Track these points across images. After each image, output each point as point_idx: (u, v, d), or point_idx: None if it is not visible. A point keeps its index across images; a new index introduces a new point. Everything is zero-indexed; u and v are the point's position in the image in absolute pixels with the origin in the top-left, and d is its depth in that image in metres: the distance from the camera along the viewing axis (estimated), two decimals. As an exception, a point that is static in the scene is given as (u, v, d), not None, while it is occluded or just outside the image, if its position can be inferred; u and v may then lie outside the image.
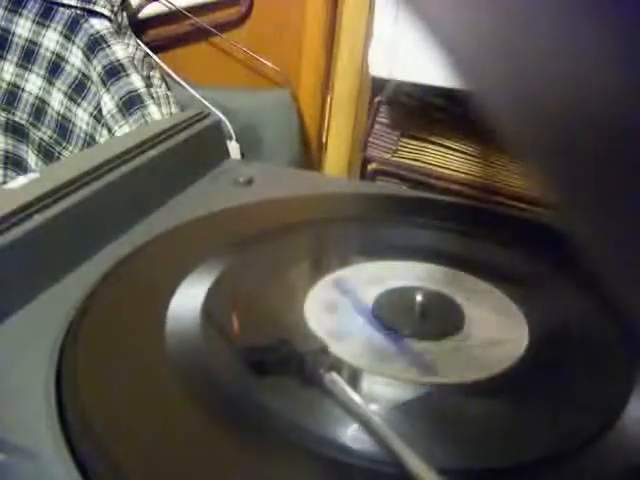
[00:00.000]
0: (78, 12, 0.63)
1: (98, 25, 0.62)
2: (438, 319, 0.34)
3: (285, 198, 0.46)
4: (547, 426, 0.27)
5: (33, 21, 0.64)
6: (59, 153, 0.65)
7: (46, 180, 0.37)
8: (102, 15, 0.62)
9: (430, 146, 0.58)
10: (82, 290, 0.33)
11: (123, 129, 0.62)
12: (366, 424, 0.25)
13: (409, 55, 0.51)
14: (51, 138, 0.65)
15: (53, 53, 0.64)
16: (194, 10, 0.67)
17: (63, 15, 0.63)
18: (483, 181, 0.56)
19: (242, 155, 0.62)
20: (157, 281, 0.35)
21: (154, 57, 0.67)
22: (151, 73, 0.65)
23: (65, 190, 0.37)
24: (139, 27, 0.68)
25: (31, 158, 0.67)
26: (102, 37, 0.62)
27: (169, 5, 0.67)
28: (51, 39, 0.64)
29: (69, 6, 0.63)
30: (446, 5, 0.15)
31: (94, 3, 0.62)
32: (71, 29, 0.63)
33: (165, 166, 0.45)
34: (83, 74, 0.63)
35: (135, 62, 0.63)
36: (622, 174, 0.13)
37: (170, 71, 0.67)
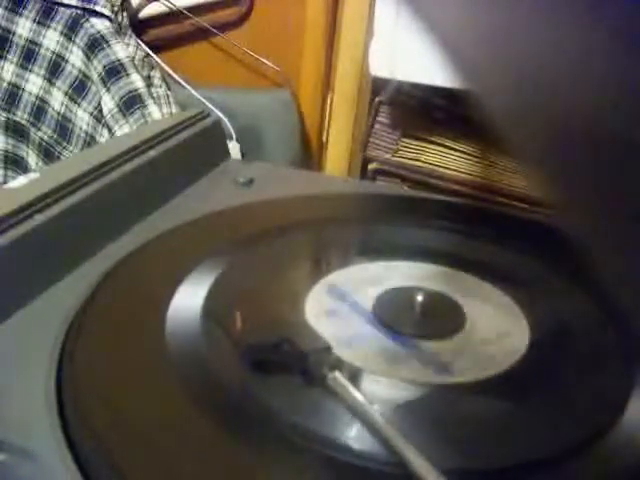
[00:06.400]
0: (78, 12, 0.63)
1: (98, 25, 0.62)
2: (438, 319, 0.34)
3: (285, 198, 0.46)
4: (547, 426, 0.27)
5: (33, 21, 0.64)
6: (59, 153, 0.65)
7: (46, 180, 0.37)
8: (102, 15, 0.62)
9: (430, 146, 0.58)
10: (82, 290, 0.33)
11: (123, 129, 0.62)
12: (369, 424, 0.25)
13: (409, 55, 0.51)
14: (51, 138, 0.65)
15: (53, 53, 0.64)
16: (194, 10, 0.67)
17: (63, 15, 0.63)
18: (483, 181, 0.56)
19: (242, 155, 0.62)
20: (157, 281, 0.35)
21: (154, 57, 0.67)
22: (151, 73, 0.65)
23: (65, 190, 0.37)
24: (139, 27, 0.68)
25: (31, 158, 0.67)
26: (102, 37, 0.62)
27: (169, 5, 0.67)
28: (51, 39, 0.64)
29: (69, 6, 0.63)
30: (446, 6, 0.15)
31: (94, 3, 0.62)
32: (71, 29, 0.63)
33: (165, 166, 0.45)
34: (83, 74, 0.63)
35: (135, 62, 0.63)
36: (621, 174, 0.13)
37: (170, 71, 0.67)
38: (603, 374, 0.30)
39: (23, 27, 0.64)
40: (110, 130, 0.62)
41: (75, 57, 0.63)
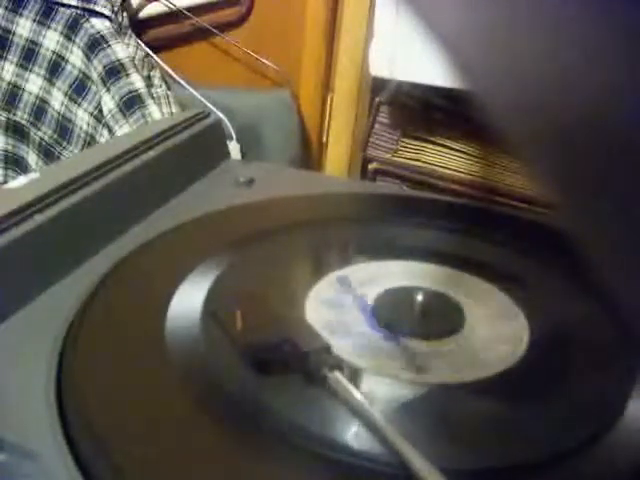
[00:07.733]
0: (78, 12, 0.63)
1: (98, 25, 0.62)
2: (438, 319, 0.34)
3: (285, 198, 0.46)
4: (547, 426, 0.27)
5: (34, 21, 0.64)
6: (59, 153, 0.65)
7: (46, 180, 0.37)
8: (102, 15, 0.62)
9: (430, 146, 0.58)
10: (82, 290, 0.33)
11: (123, 129, 0.62)
12: (370, 423, 0.25)
13: (409, 55, 0.51)
14: (51, 138, 0.65)
15: (53, 53, 0.64)
16: (194, 10, 0.67)
17: (63, 15, 0.63)
18: (483, 181, 0.56)
19: (242, 155, 0.62)
20: (157, 281, 0.35)
21: (154, 57, 0.67)
22: (151, 73, 0.65)
23: (65, 190, 0.37)
24: (139, 27, 0.68)
25: (31, 158, 0.67)
26: (102, 37, 0.62)
27: (169, 5, 0.67)
28: (51, 39, 0.64)
29: (69, 6, 0.63)
30: (447, 5, 0.15)
31: (94, 3, 0.62)
32: (71, 29, 0.63)
33: (165, 166, 0.45)
34: (83, 74, 0.63)
35: (135, 62, 0.63)
36: (622, 173, 0.13)
37: (170, 71, 0.67)
38: (603, 374, 0.30)
39: (23, 27, 0.64)
40: (110, 130, 0.62)
41: (75, 57, 0.63)
